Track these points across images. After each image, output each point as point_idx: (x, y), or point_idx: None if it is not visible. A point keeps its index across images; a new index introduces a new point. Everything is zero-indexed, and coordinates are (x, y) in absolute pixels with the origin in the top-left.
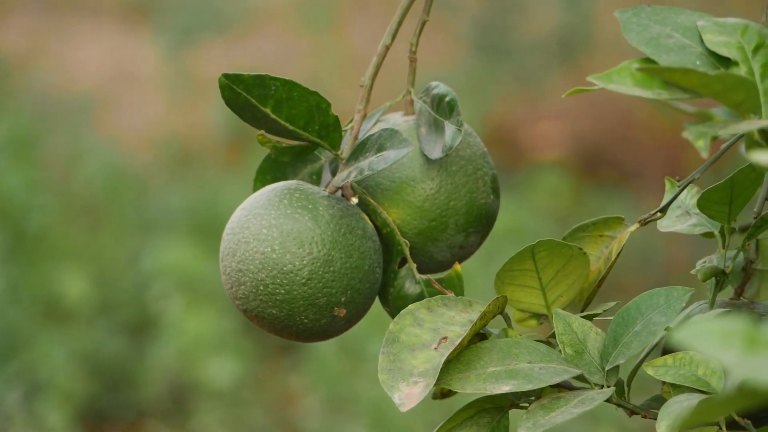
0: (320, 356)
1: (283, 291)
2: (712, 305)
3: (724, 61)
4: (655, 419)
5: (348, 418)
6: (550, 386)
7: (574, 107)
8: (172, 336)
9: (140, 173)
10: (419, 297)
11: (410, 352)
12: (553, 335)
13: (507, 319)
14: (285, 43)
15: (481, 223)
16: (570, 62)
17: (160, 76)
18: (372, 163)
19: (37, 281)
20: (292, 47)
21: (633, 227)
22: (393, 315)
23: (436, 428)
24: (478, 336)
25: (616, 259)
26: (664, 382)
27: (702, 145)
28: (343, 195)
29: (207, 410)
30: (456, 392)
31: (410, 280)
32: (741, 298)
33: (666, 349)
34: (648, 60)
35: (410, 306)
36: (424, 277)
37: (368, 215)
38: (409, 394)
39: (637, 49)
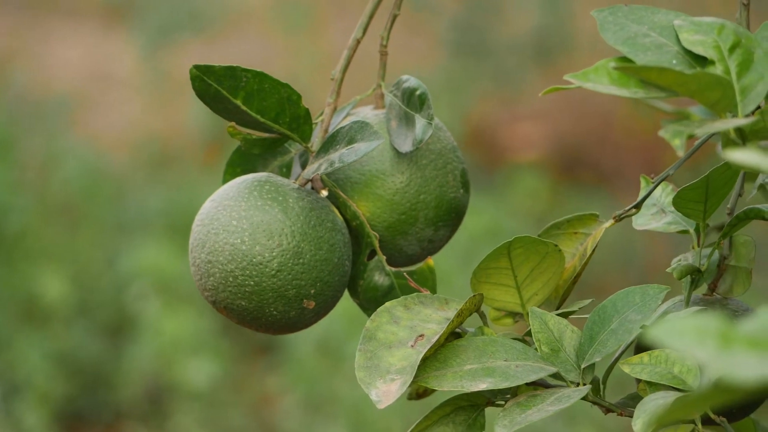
0: (299, 357)
1: (252, 282)
2: (687, 303)
3: (701, 60)
4: (631, 417)
5: (326, 419)
6: (526, 384)
7: (552, 108)
8: (150, 337)
9: (118, 174)
10: (389, 289)
11: (387, 349)
12: (528, 333)
13: (483, 317)
14: (263, 43)
15: (451, 217)
16: (548, 63)
17: (137, 77)
18: (342, 155)
19: (15, 282)
20: (270, 47)
21: (607, 223)
22: (362, 307)
23: (413, 426)
24: (454, 334)
25: (590, 255)
26: (639, 380)
27: (678, 144)
28: (313, 188)
29: (185, 411)
30: (431, 393)
31: (379, 272)
32: (714, 294)
33: (640, 346)
34: (625, 59)
35: (387, 304)
36: (395, 269)
37: (338, 208)
38: (386, 391)
39: (614, 48)
